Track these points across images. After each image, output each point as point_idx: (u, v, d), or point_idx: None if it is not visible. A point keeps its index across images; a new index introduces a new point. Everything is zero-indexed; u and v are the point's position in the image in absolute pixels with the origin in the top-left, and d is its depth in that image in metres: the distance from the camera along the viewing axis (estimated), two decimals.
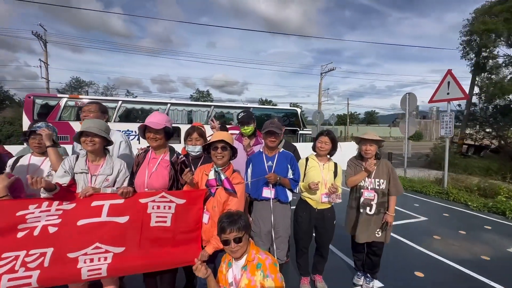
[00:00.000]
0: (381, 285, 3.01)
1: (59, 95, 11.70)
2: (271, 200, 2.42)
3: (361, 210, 2.77)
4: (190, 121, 12.62)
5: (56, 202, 1.88)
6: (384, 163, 2.83)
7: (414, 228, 4.82)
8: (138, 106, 12.38)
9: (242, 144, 2.89)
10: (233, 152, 2.16)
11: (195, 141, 2.54)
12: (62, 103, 10.97)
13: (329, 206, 2.80)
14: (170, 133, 2.22)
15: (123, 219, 1.92)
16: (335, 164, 2.82)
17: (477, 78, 13.99)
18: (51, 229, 1.80)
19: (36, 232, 1.76)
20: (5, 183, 1.88)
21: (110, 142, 2.20)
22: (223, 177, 2.04)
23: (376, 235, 2.75)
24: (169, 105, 12.51)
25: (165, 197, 2.01)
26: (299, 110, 14.99)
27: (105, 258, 1.82)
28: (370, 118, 63.45)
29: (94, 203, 1.92)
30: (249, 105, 15.77)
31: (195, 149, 2.51)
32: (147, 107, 12.48)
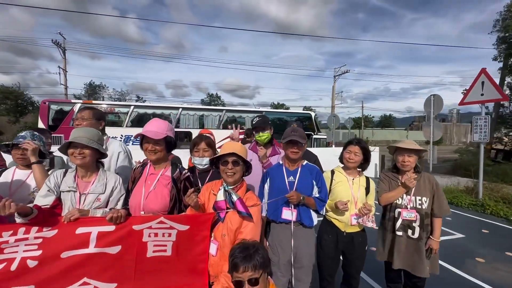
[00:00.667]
0: None
1: (73, 101, 11.85)
2: (292, 223, 2.01)
3: (400, 233, 2.31)
4: (201, 125, 12.43)
5: (34, 228, 1.57)
6: (427, 177, 2.36)
7: (452, 248, 4.23)
8: (150, 111, 12.32)
9: (256, 154, 2.50)
10: (247, 168, 1.79)
11: (202, 152, 2.19)
12: (76, 108, 11.05)
13: (360, 229, 2.35)
14: (173, 144, 1.87)
15: (114, 250, 1.58)
16: (367, 179, 2.38)
17: (507, 78, 12.99)
18: (31, 263, 1.48)
19: (13, 267, 1.45)
20: None
21: (103, 155, 1.88)
22: (235, 198, 1.66)
23: (420, 265, 2.27)
24: (180, 109, 12.38)
25: (164, 223, 1.66)
26: (313, 114, 14.48)
27: None
28: (386, 121, 61.58)
29: (80, 230, 1.59)
30: (261, 108, 15.43)
31: (203, 161, 2.16)
32: (158, 111, 12.41)
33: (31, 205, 1.58)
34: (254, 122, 2.51)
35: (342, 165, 2.42)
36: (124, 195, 1.88)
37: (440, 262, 3.70)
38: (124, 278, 1.57)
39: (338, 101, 35.10)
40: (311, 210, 2.12)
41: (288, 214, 2.04)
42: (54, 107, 11.18)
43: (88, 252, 1.55)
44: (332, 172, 2.40)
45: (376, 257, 2.50)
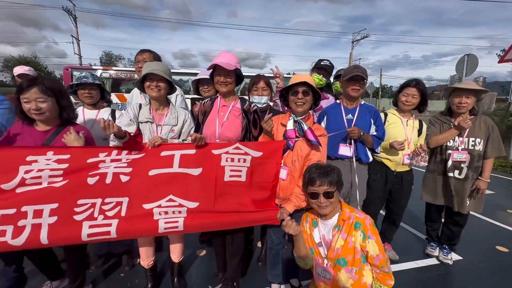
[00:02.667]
0: (460, 258, 2.69)
1: (94, 67, 11.92)
2: (353, 158, 2.09)
3: (449, 174, 2.37)
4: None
5: (125, 151, 1.73)
6: (483, 119, 2.35)
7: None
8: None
9: None
10: (316, 99, 1.83)
11: (261, 91, 2.24)
12: (97, 74, 11.15)
13: (409, 168, 2.43)
14: (241, 78, 1.92)
15: (196, 171, 1.73)
16: (420, 122, 2.40)
17: None
18: (123, 178, 1.66)
19: (108, 180, 1.64)
20: (81, 141, 1.73)
21: (173, 89, 1.97)
22: (305, 127, 1.74)
23: (463, 203, 2.36)
24: (198, 75, 12.24)
25: (239, 149, 1.78)
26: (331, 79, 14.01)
27: (180, 212, 1.67)
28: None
29: (164, 153, 1.74)
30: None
31: (262, 100, 2.22)
32: (177, 78, 12.35)
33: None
34: (322, 63, 2.56)
35: (395, 108, 2.43)
36: (194, 127, 2.00)
37: (473, 213, 3.82)
38: (205, 199, 1.72)
39: None
40: (367, 148, 2.18)
41: (346, 150, 2.12)
42: (76, 73, 11.30)
43: (173, 171, 1.71)
44: (385, 114, 2.42)
45: (420, 198, 2.61)
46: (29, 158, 1.56)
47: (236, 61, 1.85)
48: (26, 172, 1.54)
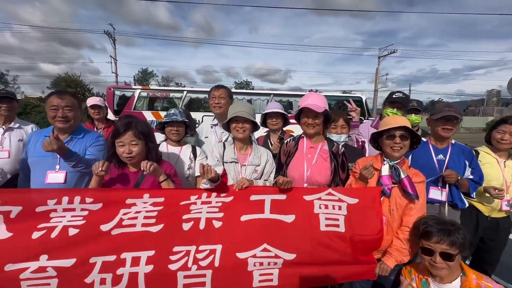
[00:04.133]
0: None
1: (133, 87, 12.67)
2: (446, 204, 1.91)
3: None
4: None
5: (214, 193, 1.70)
6: None
7: None
8: (201, 96, 12.72)
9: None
10: (414, 142, 1.70)
11: (340, 128, 2.16)
12: (136, 94, 11.82)
13: (506, 215, 2.17)
14: (329, 118, 1.86)
15: (289, 218, 1.64)
16: None
17: None
18: (216, 224, 1.61)
19: (201, 226, 1.59)
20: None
21: (257, 127, 1.95)
22: (402, 175, 1.61)
23: None
24: None
25: (332, 195, 1.67)
26: (364, 97, 13.66)
27: (275, 264, 1.56)
28: (434, 107, 55.96)
29: (254, 197, 1.68)
30: (268, 91, 15.01)
31: (341, 138, 2.13)
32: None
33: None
34: (395, 95, 2.44)
35: (489, 146, 2.22)
36: (275, 167, 1.95)
37: None
38: (301, 250, 1.58)
39: (381, 84, 32.66)
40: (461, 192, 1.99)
41: (437, 193, 1.94)
42: (118, 93, 12.06)
43: (265, 217, 1.63)
44: (476, 152, 2.21)
45: None
46: (128, 201, 1.58)
47: (324, 103, 1.79)
48: (125, 214, 1.55)
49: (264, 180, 1.91)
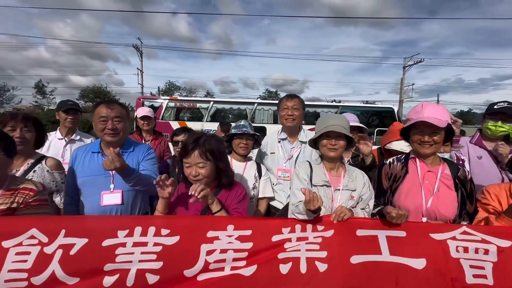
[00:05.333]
0: None
1: (161, 97, 12.90)
2: None
3: None
4: (276, 121, 12.27)
5: (309, 226, 1.38)
6: None
7: None
8: (227, 106, 12.69)
9: (485, 151, 1.98)
10: None
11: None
12: (164, 104, 12.00)
13: None
14: (453, 133, 1.49)
15: (418, 263, 1.26)
16: None
17: None
18: (321, 267, 1.27)
19: (303, 269, 1.27)
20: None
21: (352, 144, 1.62)
22: None
23: None
24: (256, 104, 12.42)
25: (471, 234, 1.29)
26: (395, 108, 12.99)
27: None
28: (464, 118, 52.90)
29: (361, 232, 1.36)
30: (335, 103, 14.57)
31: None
32: (235, 107, 12.68)
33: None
34: (497, 106, 2.00)
35: None
36: (374, 194, 1.60)
37: None
38: None
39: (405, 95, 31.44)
40: None
41: None
42: (147, 103, 12.31)
43: (384, 260, 1.28)
44: None
45: None
46: (210, 234, 1.30)
47: (447, 115, 1.43)
48: (208, 253, 1.26)
49: (361, 209, 1.56)
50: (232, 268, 1.25)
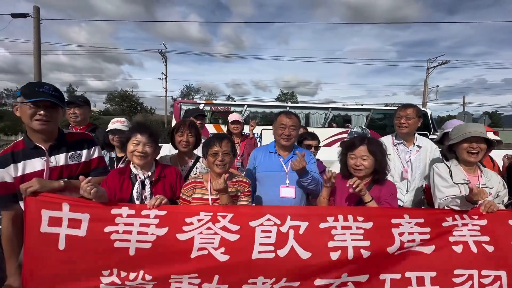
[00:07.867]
0: None
1: (198, 101, 13.50)
2: None
3: None
4: (307, 124, 12.53)
5: (465, 215, 1.68)
6: None
7: None
8: (260, 110, 13.10)
9: None
10: None
11: None
12: (200, 108, 12.58)
13: None
14: None
15: None
16: None
17: None
18: (488, 248, 1.59)
19: (473, 248, 1.59)
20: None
21: (491, 149, 1.92)
22: None
23: None
24: (288, 108, 12.75)
25: None
26: (429, 111, 12.93)
27: None
28: (493, 121, 50.59)
29: None
30: (365, 106, 14.67)
31: None
32: (267, 110, 13.08)
33: None
34: None
35: None
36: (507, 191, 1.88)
37: None
38: None
39: (430, 96, 30.73)
40: None
41: None
42: (184, 107, 12.92)
43: None
44: None
45: None
46: (394, 221, 1.63)
47: None
48: (400, 234, 1.60)
49: (498, 204, 1.85)
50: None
